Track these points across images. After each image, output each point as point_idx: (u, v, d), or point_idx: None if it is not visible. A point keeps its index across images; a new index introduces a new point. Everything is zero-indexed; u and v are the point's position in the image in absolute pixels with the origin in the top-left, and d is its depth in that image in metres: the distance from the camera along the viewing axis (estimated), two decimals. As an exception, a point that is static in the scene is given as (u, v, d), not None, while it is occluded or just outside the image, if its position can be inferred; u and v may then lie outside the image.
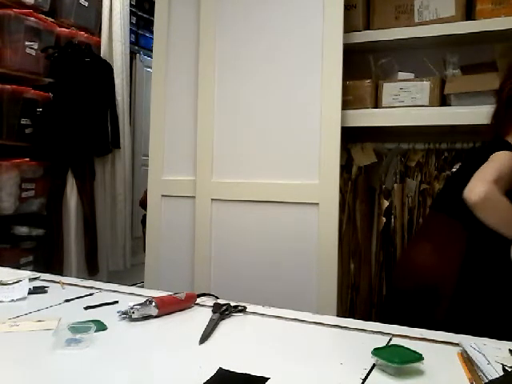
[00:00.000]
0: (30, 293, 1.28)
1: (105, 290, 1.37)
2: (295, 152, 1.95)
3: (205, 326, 1.04)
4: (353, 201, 2.14)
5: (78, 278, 1.64)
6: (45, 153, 2.91)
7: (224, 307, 1.15)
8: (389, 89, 1.93)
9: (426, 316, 1.36)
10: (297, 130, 1.95)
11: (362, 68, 2.04)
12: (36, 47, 2.82)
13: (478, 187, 1.25)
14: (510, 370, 0.80)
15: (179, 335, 1.03)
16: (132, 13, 3.65)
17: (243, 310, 1.17)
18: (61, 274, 2.71)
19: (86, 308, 1.17)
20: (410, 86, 1.88)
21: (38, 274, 1.49)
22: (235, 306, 1.18)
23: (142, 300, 1.12)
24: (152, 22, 2.37)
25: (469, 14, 1.85)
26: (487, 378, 0.78)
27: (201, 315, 1.13)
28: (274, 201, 1.97)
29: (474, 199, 1.24)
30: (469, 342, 0.93)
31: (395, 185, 2.07)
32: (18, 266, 2.61)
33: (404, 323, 1.09)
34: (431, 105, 1.86)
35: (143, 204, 2.47)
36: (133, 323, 1.07)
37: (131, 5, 3.59)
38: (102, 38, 3.29)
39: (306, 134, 1.93)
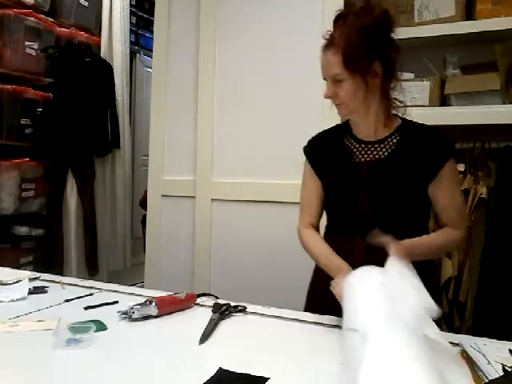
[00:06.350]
0: (30, 293, 1.28)
1: (105, 290, 1.37)
2: (295, 152, 1.93)
3: (205, 326, 1.04)
4: (353, 201, 2.14)
5: (77, 278, 1.64)
6: (45, 153, 2.91)
7: (224, 307, 1.15)
8: (389, 89, 1.92)
9: None
10: (297, 130, 1.95)
11: (362, 68, 2.04)
12: (36, 47, 2.82)
13: None
14: (510, 369, 0.80)
15: (179, 335, 1.03)
16: (132, 13, 3.65)
17: (243, 310, 1.17)
18: (61, 274, 2.71)
19: (86, 308, 1.17)
20: (410, 86, 1.88)
21: (38, 274, 1.49)
22: (235, 306, 1.18)
23: (142, 300, 1.12)
24: (152, 22, 2.37)
25: (469, 13, 1.85)
26: (487, 378, 0.78)
27: (201, 315, 1.13)
28: (274, 201, 1.97)
29: None
30: (469, 342, 0.93)
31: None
32: (18, 266, 2.61)
33: None
34: (431, 105, 1.86)
35: (143, 204, 2.48)
36: (133, 323, 1.07)
37: (131, 5, 3.59)
38: (102, 38, 3.29)
39: (306, 134, 1.92)
